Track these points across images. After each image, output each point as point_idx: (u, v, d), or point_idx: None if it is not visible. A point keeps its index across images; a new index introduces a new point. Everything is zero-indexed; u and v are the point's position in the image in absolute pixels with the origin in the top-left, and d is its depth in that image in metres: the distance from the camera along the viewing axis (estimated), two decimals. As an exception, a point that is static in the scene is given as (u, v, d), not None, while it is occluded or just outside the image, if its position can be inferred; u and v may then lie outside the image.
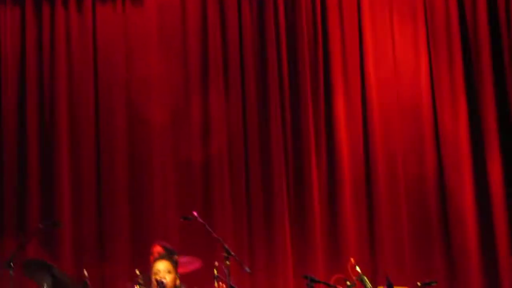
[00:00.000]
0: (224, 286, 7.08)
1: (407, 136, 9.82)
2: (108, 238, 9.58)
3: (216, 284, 7.22)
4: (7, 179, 9.68)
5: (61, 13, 9.92)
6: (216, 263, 7.36)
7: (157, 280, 6.93)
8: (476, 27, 9.90)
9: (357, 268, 7.45)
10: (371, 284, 7.46)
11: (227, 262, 7.36)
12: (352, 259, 7.64)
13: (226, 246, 7.53)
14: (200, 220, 7.75)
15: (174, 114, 9.82)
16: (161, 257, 7.42)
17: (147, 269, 7.73)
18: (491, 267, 9.45)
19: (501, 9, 9.82)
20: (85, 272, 7.79)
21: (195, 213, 7.84)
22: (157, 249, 8.35)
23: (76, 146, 9.70)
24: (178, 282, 7.05)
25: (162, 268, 7.02)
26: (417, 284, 7.63)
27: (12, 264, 7.65)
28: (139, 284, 7.50)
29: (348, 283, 7.33)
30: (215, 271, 7.31)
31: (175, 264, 7.10)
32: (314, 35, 9.97)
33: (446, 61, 9.89)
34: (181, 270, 7.62)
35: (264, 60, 9.96)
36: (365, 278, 7.46)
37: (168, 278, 6.92)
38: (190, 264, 8.26)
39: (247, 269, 7.91)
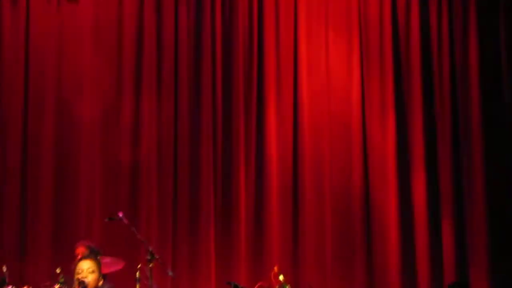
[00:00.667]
0: None
1: (336, 147, 9.87)
2: (30, 235, 9.50)
3: (137, 286, 7.18)
4: None
5: None
6: (139, 265, 7.37)
7: (78, 280, 6.74)
8: (408, 46, 10.03)
9: (280, 277, 7.52)
10: None
11: (150, 265, 7.35)
12: (275, 268, 7.75)
13: (150, 248, 7.49)
14: (126, 221, 7.71)
15: (104, 114, 9.78)
16: (85, 257, 7.21)
17: (69, 269, 7.49)
18: (410, 281, 9.59)
19: (433, 30, 10.04)
20: (4, 268, 7.67)
21: (120, 214, 7.80)
22: (81, 249, 8.38)
23: (1, 142, 9.65)
24: (101, 282, 6.84)
25: (85, 268, 6.79)
26: None
27: None
28: (60, 283, 7.41)
29: (281, 277, 7.42)
30: (137, 273, 7.30)
31: (99, 264, 6.91)
32: (250, 44, 10.02)
33: (378, 76, 9.99)
34: (103, 270, 7.41)
35: (199, 64, 9.97)
36: (288, 286, 7.53)
37: (90, 278, 6.69)
38: (113, 265, 8.25)
39: (170, 272, 7.94)
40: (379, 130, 9.91)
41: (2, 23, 9.82)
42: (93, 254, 7.23)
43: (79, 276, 6.71)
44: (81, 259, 7.00)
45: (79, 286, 6.67)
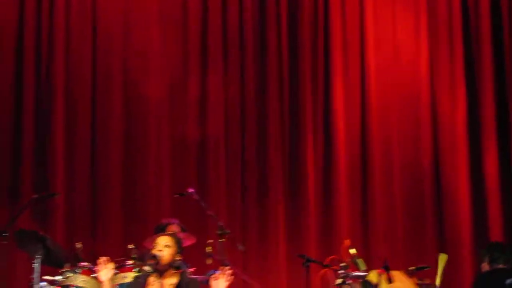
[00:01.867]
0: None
1: (404, 120, 9.91)
2: (101, 212, 9.60)
3: (208, 261, 7.28)
4: (1, 151, 9.67)
5: None
6: (210, 241, 7.51)
7: (151, 253, 6.80)
8: (478, 17, 10.02)
9: (352, 250, 7.53)
10: (366, 266, 7.52)
11: (221, 240, 7.54)
12: (346, 241, 7.76)
13: (221, 223, 7.71)
14: (196, 197, 7.94)
15: (171, 91, 9.83)
16: (164, 232, 7.33)
17: (141, 245, 7.80)
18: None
19: (503, 1, 9.97)
20: (78, 245, 7.89)
21: (190, 190, 8.02)
22: (173, 228, 8.29)
23: (71, 120, 9.75)
24: (177, 257, 6.77)
25: (161, 242, 6.79)
26: (409, 269, 7.69)
27: (5, 235, 7.66)
28: (134, 258, 7.64)
29: (341, 264, 7.36)
30: (208, 248, 7.44)
31: (177, 240, 6.87)
32: (315, 18, 10.02)
33: (447, 49, 10.00)
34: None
35: (264, 40, 10.00)
36: (360, 260, 7.52)
37: (165, 252, 6.71)
38: (185, 240, 8.04)
39: (241, 247, 8.15)
40: (449, 102, 9.93)
41: (70, 7, 9.87)
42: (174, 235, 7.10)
43: (154, 250, 6.76)
44: (159, 235, 7.05)
45: (151, 259, 6.72)
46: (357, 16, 10.03)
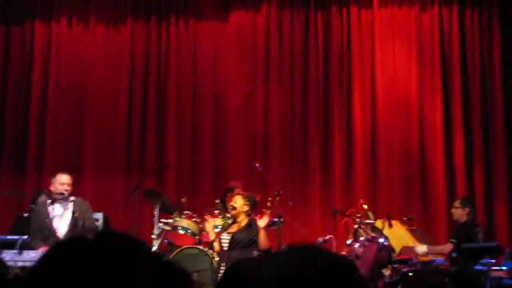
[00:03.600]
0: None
1: (401, 120, 9.87)
2: (198, 179, 9.76)
3: (268, 211, 7.26)
4: (136, 140, 9.86)
5: (173, 29, 10.09)
6: (269, 198, 7.67)
7: (231, 205, 7.07)
8: (450, 47, 9.90)
9: (365, 206, 7.80)
10: (374, 217, 7.80)
11: (277, 198, 7.83)
12: (361, 200, 8.12)
13: (277, 187, 8.04)
14: (260, 169, 8.36)
15: (245, 100, 9.93)
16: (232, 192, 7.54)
17: (223, 200, 8.12)
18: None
19: (468, 36, 9.94)
20: (183, 199, 8.28)
21: (257, 165, 8.44)
22: (238, 189, 8.47)
23: (179, 120, 9.93)
24: (244, 209, 7.01)
25: (236, 198, 7.12)
26: (402, 219, 8.11)
27: (136, 191, 8.21)
28: (219, 208, 8.00)
29: (357, 215, 7.60)
30: (269, 203, 7.49)
31: (248, 200, 7.09)
32: (341, 49, 10.03)
33: (429, 70, 9.91)
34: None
35: (306, 66, 10.02)
36: (370, 212, 7.81)
37: (237, 203, 7.02)
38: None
39: (290, 202, 8.57)
40: (430, 107, 9.81)
41: (178, 42, 10.04)
42: (247, 195, 7.24)
43: (231, 203, 7.11)
44: (235, 194, 7.32)
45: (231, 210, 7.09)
46: (369, 48, 9.94)
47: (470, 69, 9.91)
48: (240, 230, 6.93)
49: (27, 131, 9.80)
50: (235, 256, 6.50)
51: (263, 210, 7.03)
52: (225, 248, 6.92)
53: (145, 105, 9.93)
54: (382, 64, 9.98)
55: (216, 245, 7.07)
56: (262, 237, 6.84)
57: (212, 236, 7.12)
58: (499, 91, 9.82)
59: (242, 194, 7.17)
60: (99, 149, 9.79)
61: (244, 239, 6.84)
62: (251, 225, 6.92)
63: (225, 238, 6.99)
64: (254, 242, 6.84)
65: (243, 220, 7.00)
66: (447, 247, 7.74)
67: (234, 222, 7.04)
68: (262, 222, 6.92)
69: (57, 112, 9.87)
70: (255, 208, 7.15)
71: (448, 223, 9.08)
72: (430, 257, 7.52)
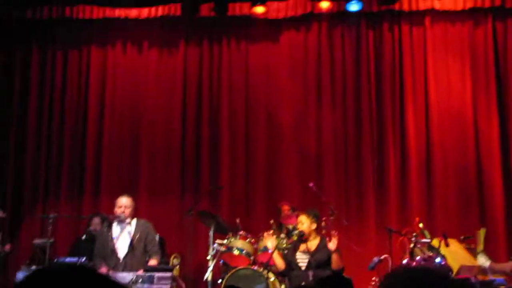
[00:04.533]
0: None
1: (456, 136, 9.76)
2: (251, 199, 9.76)
3: (323, 231, 7.33)
4: (187, 154, 9.91)
5: (225, 50, 10.22)
6: (324, 218, 7.76)
7: (298, 230, 7.04)
8: (506, 63, 9.81)
9: (420, 225, 7.69)
10: (430, 236, 7.66)
11: (332, 217, 7.84)
12: (417, 218, 7.98)
13: (332, 207, 8.02)
14: (314, 188, 8.16)
15: (297, 119, 9.93)
16: (303, 212, 7.27)
17: (277, 220, 8.22)
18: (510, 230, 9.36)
19: None
20: (238, 221, 8.36)
21: (311, 184, 8.23)
22: (286, 207, 8.66)
23: (232, 139, 9.96)
24: (313, 227, 7.01)
25: (301, 219, 7.05)
26: (460, 238, 7.92)
27: (191, 213, 8.24)
28: (273, 229, 7.99)
29: (413, 234, 7.40)
30: (323, 224, 7.65)
31: (313, 216, 7.08)
32: (393, 67, 9.98)
33: (484, 86, 9.81)
34: (293, 221, 7.75)
35: (359, 83, 10.01)
36: (426, 231, 7.68)
37: (302, 227, 6.98)
38: (292, 218, 8.24)
39: (345, 222, 8.42)
40: (486, 121, 9.72)
41: (231, 64, 10.11)
42: (311, 211, 7.19)
43: (298, 226, 7.08)
44: (298, 214, 7.25)
45: (298, 235, 7.05)
46: (422, 65, 9.89)
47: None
48: (317, 250, 6.93)
49: (85, 155, 9.97)
50: (318, 275, 6.44)
51: (331, 232, 6.96)
52: (303, 268, 6.89)
53: (199, 127, 10.04)
54: (435, 80, 9.90)
55: (280, 262, 7.05)
56: (335, 258, 6.85)
57: (278, 261, 7.10)
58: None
59: (304, 213, 7.14)
60: (154, 172, 9.90)
61: (322, 259, 6.86)
62: (325, 245, 6.91)
63: (301, 257, 6.98)
64: (330, 261, 6.87)
65: (315, 239, 7.00)
66: (509, 265, 7.55)
67: (302, 241, 7.00)
68: (332, 245, 6.86)
69: (113, 136, 10.05)
70: (320, 221, 7.19)
71: (508, 241, 9.07)
72: (490, 277, 7.32)
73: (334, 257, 6.85)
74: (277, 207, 8.68)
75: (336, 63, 10.11)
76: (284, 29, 10.16)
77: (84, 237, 8.47)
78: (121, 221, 7.20)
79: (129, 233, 7.19)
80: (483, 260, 7.24)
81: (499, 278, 7.35)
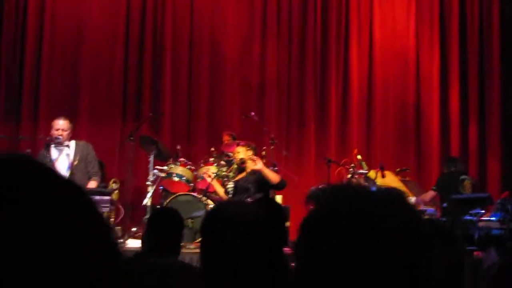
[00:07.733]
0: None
1: (398, 73, 9.93)
2: (193, 126, 9.66)
3: (264, 160, 7.20)
4: (129, 79, 9.62)
5: None
6: (264, 147, 7.79)
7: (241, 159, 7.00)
8: (450, 1, 9.96)
9: (359, 156, 7.88)
10: (368, 167, 7.88)
11: (272, 147, 7.84)
12: (355, 150, 8.19)
13: (272, 136, 8.01)
14: (256, 118, 8.17)
15: (241, 50, 9.85)
16: (241, 144, 7.30)
17: (218, 149, 8.16)
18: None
19: None
20: (178, 147, 8.25)
21: (252, 113, 8.24)
22: (226, 137, 8.55)
23: (176, 69, 9.71)
24: (249, 154, 6.96)
25: (238, 150, 7.09)
26: (396, 170, 8.16)
27: (131, 138, 8.06)
28: (214, 157, 7.95)
29: (351, 165, 7.68)
30: (264, 153, 7.67)
31: (248, 146, 7.11)
32: (339, 5, 10.00)
33: (428, 23, 9.97)
34: (234, 149, 7.58)
35: (305, 17, 9.96)
36: (364, 162, 7.88)
37: (239, 156, 7.02)
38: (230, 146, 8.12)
39: (285, 152, 8.54)
40: (428, 61, 9.89)
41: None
42: (248, 144, 7.21)
43: (234, 156, 7.14)
44: (239, 143, 7.33)
45: (238, 163, 7.04)
46: (368, 3, 9.97)
47: (469, 23, 9.97)
48: (245, 177, 6.94)
49: (22, 78, 9.43)
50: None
51: (250, 157, 6.94)
52: (230, 195, 6.96)
53: (142, 52, 9.74)
54: (380, 18, 9.99)
55: (220, 191, 7.12)
56: (267, 173, 6.77)
57: (218, 189, 7.15)
58: (496, 44, 9.89)
59: (241, 145, 7.17)
60: (95, 96, 9.59)
61: (245, 186, 6.88)
62: (253, 172, 6.87)
63: (231, 186, 7.05)
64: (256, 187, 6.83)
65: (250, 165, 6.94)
66: (429, 194, 7.92)
67: (242, 171, 7.01)
68: (256, 165, 6.80)
69: (53, 60, 9.54)
70: (256, 151, 7.15)
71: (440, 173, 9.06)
72: (421, 207, 7.55)
73: (265, 173, 6.76)
74: (219, 136, 8.59)
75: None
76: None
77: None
78: (58, 144, 7.02)
79: (67, 155, 7.03)
80: (410, 201, 7.43)
81: (430, 209, 7.64)
